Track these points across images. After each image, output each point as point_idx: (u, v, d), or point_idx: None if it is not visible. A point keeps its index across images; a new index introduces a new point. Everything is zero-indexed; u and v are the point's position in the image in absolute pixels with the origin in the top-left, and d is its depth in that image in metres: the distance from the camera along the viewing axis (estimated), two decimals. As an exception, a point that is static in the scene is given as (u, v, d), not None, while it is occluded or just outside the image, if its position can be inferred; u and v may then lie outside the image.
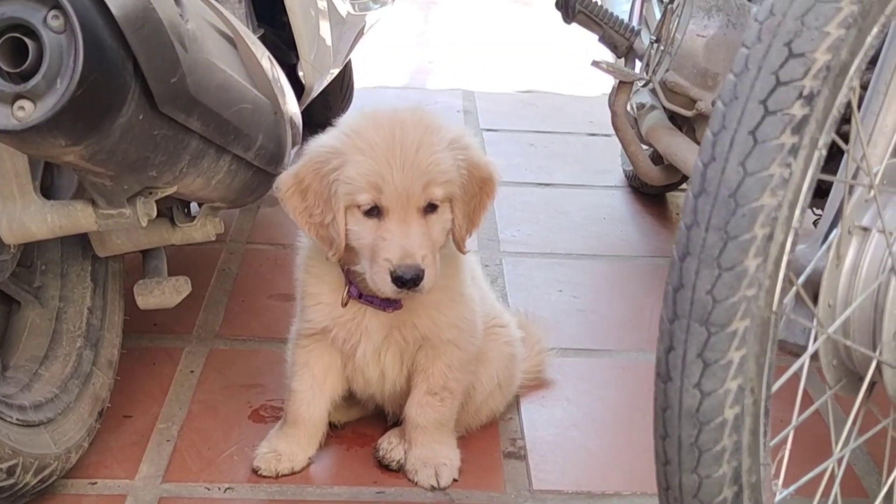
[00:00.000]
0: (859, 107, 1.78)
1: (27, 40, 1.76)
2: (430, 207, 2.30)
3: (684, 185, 3.94)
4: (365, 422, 2.75)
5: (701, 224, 1.57)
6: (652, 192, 4.15)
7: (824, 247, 1.89)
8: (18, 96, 1.76)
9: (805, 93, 1.54)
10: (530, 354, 2.93)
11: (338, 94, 4.57)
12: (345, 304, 2.44)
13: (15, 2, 1.75)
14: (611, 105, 3.47)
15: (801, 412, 1.81)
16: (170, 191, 2.25)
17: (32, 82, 1.75)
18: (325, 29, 3.21)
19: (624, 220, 4.05)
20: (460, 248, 2.39)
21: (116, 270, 2.72)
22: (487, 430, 2.74)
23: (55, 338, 2.55)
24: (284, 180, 2.33)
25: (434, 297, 2.42)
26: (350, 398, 2.67)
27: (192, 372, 2.94)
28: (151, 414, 2.75)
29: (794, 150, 1.54)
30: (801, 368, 1.75)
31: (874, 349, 1.88)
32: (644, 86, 3.37)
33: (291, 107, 2.55)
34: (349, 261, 2.36)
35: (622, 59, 3.62)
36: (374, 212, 2.28)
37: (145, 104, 1.90)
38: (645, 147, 3.67)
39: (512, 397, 2.82)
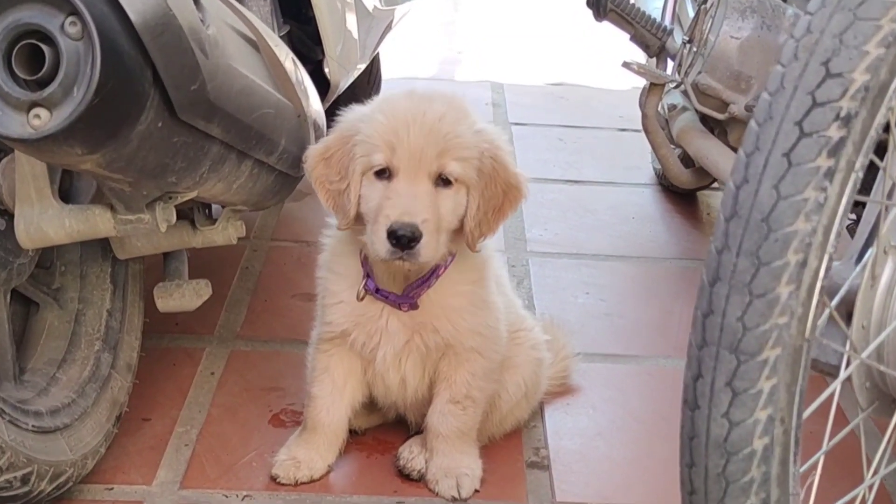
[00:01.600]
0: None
1: (44, 47, 1.72)
2: (444, 182, 2.26)
3: (716, 184, 3.87)
4: (386, 428, 2.71)
5: (732, 248, 1.52)
6: (682, 191, 4.08)
7: (859, 266, 1.84)
8: (34, 104, 1.72)
9: (842, 114, 1.49)
10: (556, 360, 2.89)
11: (365, 87, 4.50)
12: (360, 298, 2.39)
13: (32, 7, 1.71)
14: (641, 107, 3.41)
15: (832, 435, 1.76)
16: (190, 196, 2.21)
17: (49, 90, 1.71)
18: (351, 24, 3.16)
19: (653, 219, 3.99)
20: (471, 244, 2.32)
21: (136, 272, 2.68)
22: (510, 439, 2.70)
23: (74, 340, 2.52)
24: (312, 151, 2.34)
25: (455, 301, 2.40)
26: (371, 404, 2.63)
27: (212, 374, 2.91)
28: (170, 417, 2.72)
29: (829, 174, 1.49)
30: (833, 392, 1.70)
31: (909, 373, 1.82)
32: (675, 87, 3.31)
33: (315, 108, 2.51)
34: (357, 232, 2.33)
35: (654, 60, 3.55)
36: (386, 174, 2.25)
37: (164, 111, 1.86)
38: (675, 149, 3.61)
39: (537, 404, 2.77)
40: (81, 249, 2.57)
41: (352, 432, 2.62)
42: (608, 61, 4.55)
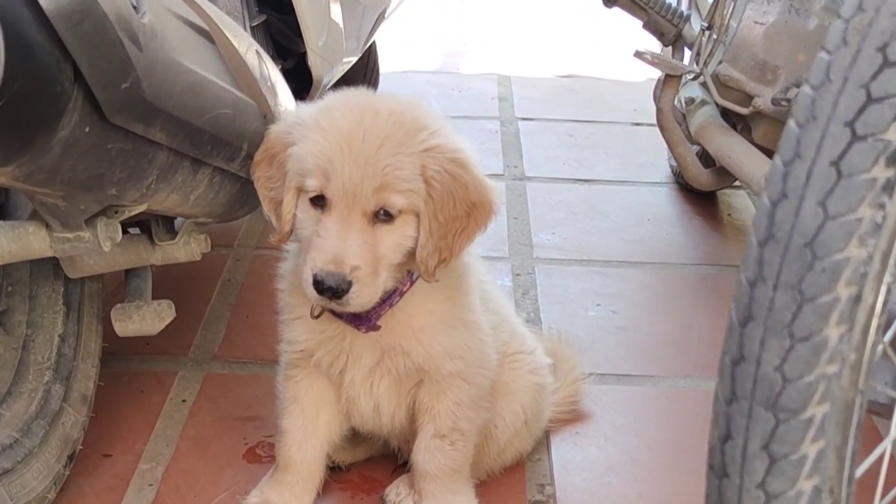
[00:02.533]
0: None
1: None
2: (385, 216, 1.96)
3: (737, 182, 3.56)
4: (373, 463, 2.45)
5: (768, 280, 1.23)
6: (701, 191, 3.76)
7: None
8: (-72, 108, 1.45)
9: (905, 112, 1.20)
10: (564, 383, 2.62)
11: (361, 81, 4.22)
12: (315, 316, 2.12)
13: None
14: (656, 101, 3.11)
15: (883, 495, 1.47)
16: (138, 209, 1.94)
17: (-56, 91, 1.43)
18: (336, 13, 2.88)
19: (670, 221, 3.69)
20: (426, 275, 2.02)
21: (94, 291, 2.41)
22: (512, 474, 2.43)
23: (20, 371, 2.25)
24: (258, 151, 2.06)
25: (425, 321, 2.13)
26: (355, 436, 2.36)
27: (183, 401, 2.65)
28: (134, 452, 2.46)
29: (889, 187, 1.20)
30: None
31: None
32: (694, 79, 3.01)
33: (286, 107, 2.22)
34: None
35: (669, 48, 3.25)
36: (321, 202, 1.97)
37: (92, 115, 1.59)
38: (694, 146, 3.30)
39: (541, 433, 2.51)
40: (31, 267, 2.30)
41: (336, 468, 2.39)
42: (621, 51, 4.26)
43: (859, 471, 1.34)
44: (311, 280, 1.92)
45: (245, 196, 2.23)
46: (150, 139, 1.74)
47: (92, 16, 1.49)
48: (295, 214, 2.01)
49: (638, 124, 4.53)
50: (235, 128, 1.98)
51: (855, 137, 1.20)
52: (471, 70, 5.33)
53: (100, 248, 1.89)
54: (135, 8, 1.60)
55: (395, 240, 1.97)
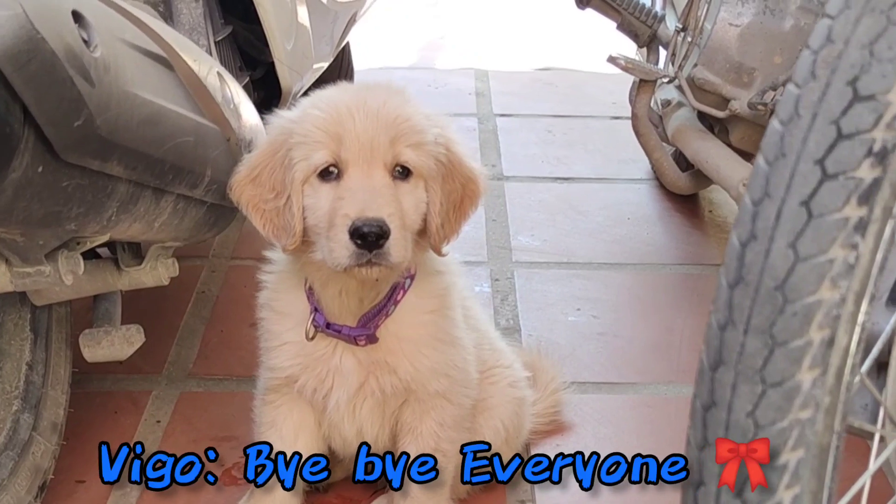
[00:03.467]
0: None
1: None
2: (402, 174, 1.95)
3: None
4: (351, 483, 2.38)
5: (738, 324, 1.19)
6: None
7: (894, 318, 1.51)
8: None
9: (876, 148, 1.16)
10: (544, 395, 2.60)
11: (335, 81, 4.16)
12: (311, 338, 2.09)
13: None
14: (631, 105, 3.06)
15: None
16: (101, 240, 1.90)
17: None
18: (304, 20, 2.83)
19: (650, 220, 3.65)
20: (436, 246, 2.02)
21: (62, 316, 2.36)
22: (492, 491, 2.39)
23: (-13, 401, 2.20)
24: (237, 177, 2.01)
25: (415, 333, 2.10)
26: (334, 455, 2.32)
27: (158, 422, 2.61)
28: (108, 478, 2.40)
29: (861, 226, 1.16)
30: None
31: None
32: (669, 83, 2.96)
33: (250, 126, 2.17)
34: (302, 252, 2.01)
35: (644, 50, 3.21)
36: (333, 174, 1.94)
37: (44, 154, 1.54)
38: (671, 149, 3.26)
39: (521, 447, 2.45)
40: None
41: (314, 490, 2.35)
42: (599, 43, 4.22)
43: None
44: (346, 238, 1.86)
45: (213, 218, 2.18)
46: (108, 173, 1.69)
47: (39, 55, 1.45)
48: (304, 206, 1.96)
49: (617, 118, 4.48)
50: (198, 154, 1.93)
51: (825, 176, 1.16)
52: (448, 65, 5.29)
53: (60, 281, 1.85)
54: (86, 42, 1.55)
55: (413, 199, 1.97)
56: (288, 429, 2.21)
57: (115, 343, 2.26)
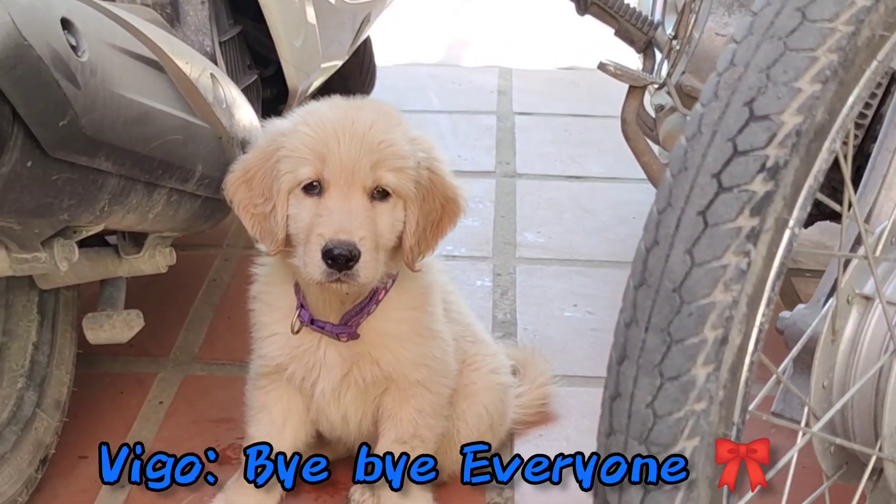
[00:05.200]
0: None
1: None
2: (380, 195, 2.06)
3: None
4: (337, 466, 2.50)
5: (640, 322, 1.30)
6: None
7: (818, 317, 1.61)
8: None
9: (769, 164, 1.26)
10: (532, 386, 2.69)
11: (357, 77, 4.28)
12: (296, 332, 2.21)
13: None
14: (621, 111, 3.14)
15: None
16: (96, 230, 2.02)
17: None
18: (311, 19, 2.93)
19: (655, 219, 3.72)
20: (410, 263, 2.13)
21: (69, 300, 2.49)
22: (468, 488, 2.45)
23: (-7, 378, 2.34)
24: (231, 176, 2.13)
25: (396, 329, 2.21)
26: (320, 439, 2.44)
27: (160, 403, 2.73)
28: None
29: (753, 235, 1.25)
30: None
31: (875, 441, 1.59)
32: (659, 89, 3.04)
33: (245, 125, 2.29)
34: (288, 255, 2.13)
35: (641, 56, 3.28)
36: (316, 189, 2.05)
37: (33, 150, 1.67)
38: (664, 153, 3.34)
39: (504, 435, 2.55)
40: (6, 278, 2.38)
41: (301, 471, 2.42)
42: (624, 44, 4.28)
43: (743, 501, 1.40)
44: (318, 257, 1.98)
45: (209, 210, 2.30)
46: (98, 168, 1.81)
47: (25, 60, 1.57)
48: (288, 216, 2.08)
49: (634, 118, 4.55)
50: (187, 151, 2.05)
51: (721, 188, 1.26)
52: (473, 62, 5.38)
53: (56, 268, 1.97)
54: (74, 48, 1.68)
55: (389, 219, 2.07)
56: (277, 412, 2.32)
57: (116, 327, 2.39)
